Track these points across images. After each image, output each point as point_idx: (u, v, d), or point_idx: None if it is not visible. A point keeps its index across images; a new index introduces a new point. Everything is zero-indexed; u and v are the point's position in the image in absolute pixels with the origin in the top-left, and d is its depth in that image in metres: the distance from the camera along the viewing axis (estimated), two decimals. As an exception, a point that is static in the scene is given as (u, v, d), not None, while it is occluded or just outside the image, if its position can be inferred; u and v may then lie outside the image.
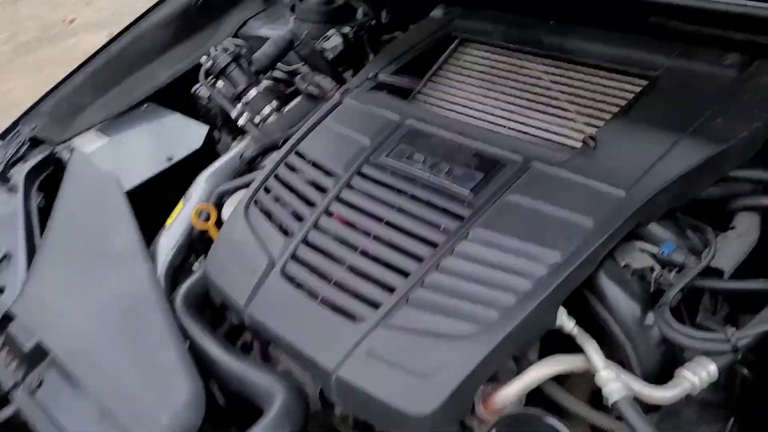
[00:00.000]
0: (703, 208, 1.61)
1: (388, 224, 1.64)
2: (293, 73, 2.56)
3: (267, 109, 2.31)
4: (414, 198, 1.67)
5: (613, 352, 1.45)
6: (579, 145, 1.69)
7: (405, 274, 1.52)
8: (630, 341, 1.43)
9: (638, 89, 1.79)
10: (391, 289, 1.51)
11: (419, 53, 2.18)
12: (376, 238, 1.63)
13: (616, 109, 1.77)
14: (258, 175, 1.96)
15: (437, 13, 2.36)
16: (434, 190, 1.66)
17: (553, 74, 1.98)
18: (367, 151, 1.82)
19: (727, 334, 1.24)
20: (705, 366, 1.38)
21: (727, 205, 1.62)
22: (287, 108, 2.35)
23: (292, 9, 2.73)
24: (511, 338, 1.36)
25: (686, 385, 1.36)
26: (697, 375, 1.37)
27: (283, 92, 2.53)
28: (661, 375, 1.44)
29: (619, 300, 1.45)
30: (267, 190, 1.90)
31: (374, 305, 1.51)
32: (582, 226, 1.45)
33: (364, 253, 1.61)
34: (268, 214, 1.85)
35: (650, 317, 1.43)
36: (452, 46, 2.21)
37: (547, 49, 2.03)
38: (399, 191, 1.71)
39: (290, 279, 1.66)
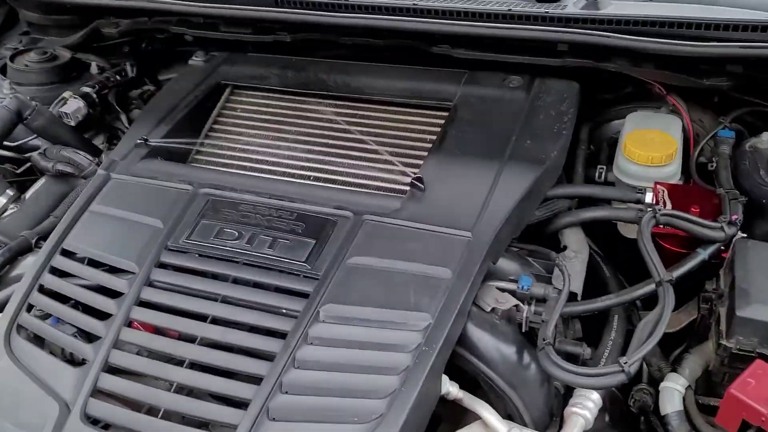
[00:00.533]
0: (528, 232, 1.59)
1: (216, 321, 1.33)
2: (22, 149, 2.06)
3: (1, 200, 1.81)
4: (239, 282, 1.39)
5: (497, 404, 1.34)
6: (405, 189, 1.56)
7: (257, 380, 1.23)
8: (513, 389, 1.33)
9: (441, 121, 1.73)
10: (242, 405, 1.22)
11: (189, 108, 1.88)
12: (206, 342, 1.31)
13: (427, 145, 1.68)
14: (12, 292, 1.49)
15: (197, 60, 2.07)
16: (262, 268, 1.40)
17: (347, 115, 1.84)
18: (161, 235, 1.48)
19: (621, 364, 1.20)
20: (589, 397, 1.34)
21: (550, 225, 1.63)
22: (28, 195, 1.87)
23: (2, 72, 2.22)
24: (406, 428, 1.16)
25: (581, 421, 1.30)
26: (586, 408, 1.32)
27: (12, 175, 2.03)
28: (549, 413, 1.38)
29: (493, 348, 1.34)
30: (31, 309, 1.45)
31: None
32: (441, 278, 1.32)
33: (194, 366, 1.29)
34: (41, 341, 1.41)
35: (526, 358, 1.35)
36: (225, 95, 1.96)
37: (331, 90, 1.88)
38: (216, 277, 1.41)
39: (96, 422, 1.26)
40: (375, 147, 1.71)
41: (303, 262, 1.39)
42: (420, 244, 1.38)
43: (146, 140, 1.73)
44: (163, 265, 1.44)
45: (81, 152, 1.85)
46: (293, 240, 1.43)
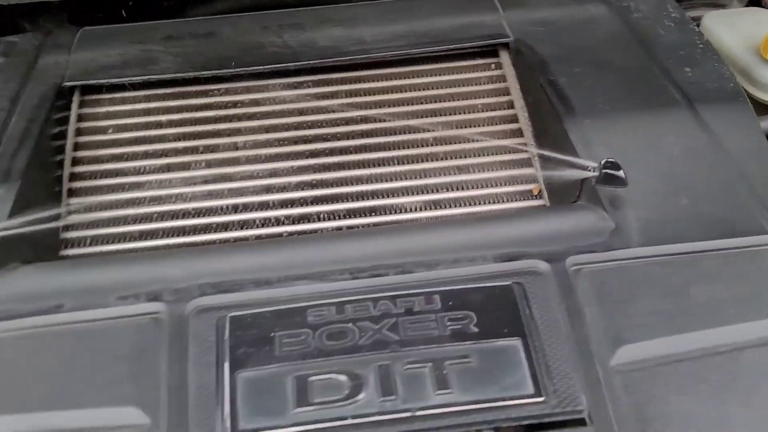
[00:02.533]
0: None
1: None
2: None
3: None
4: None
5: None
6: (524, 190, 0.88)
7: None
8: None
9: (498, 71, 1.07)
10: None
11: (27, 144, 0.92)
12: None
13: (506, 112, 1.03)
14: None
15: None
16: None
17: (329, 95, 1.06)
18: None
19: None
20: None
21: None
22: None
23: None
24: None
25: None
26: None
27: None
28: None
29: None
30: None
31: None
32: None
33: None
34: None
35: None
36: (74, 108, 1.03)
37: (284, 59, 1.07)
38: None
39: None
40: (433, 130, 0.98)
41: (532, 396, 0.64)
42: (714, 285, 0.72)
43: (-14, 231, 0.76)
44: None
45: None
46: (473, 353, 0.67)
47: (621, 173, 0.80)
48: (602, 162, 0.81)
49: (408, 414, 0.63)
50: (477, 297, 0.71)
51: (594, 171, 0.82)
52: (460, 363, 0.66)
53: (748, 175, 0.83)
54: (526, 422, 0.64)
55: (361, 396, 0.65)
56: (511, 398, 0.64)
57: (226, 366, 0.67)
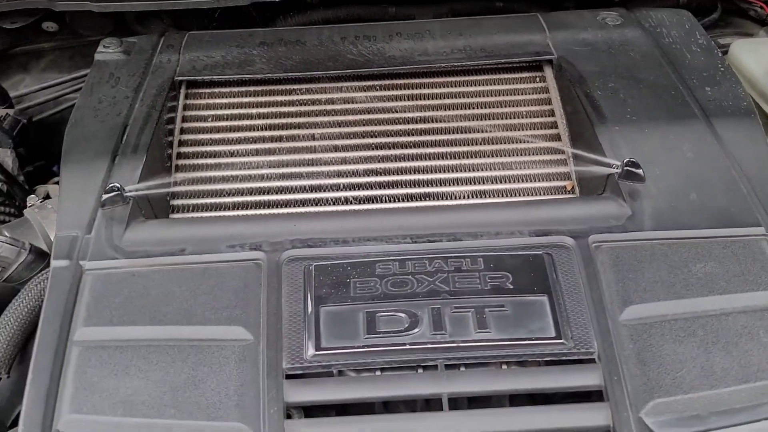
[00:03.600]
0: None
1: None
2: None
3: None
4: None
5: None
6: (560, 187, 1.05)
7: None
8: None
9: (542, 84, 1.23)
10: None
11: (144, 125, 1.12)
12: None
13: (548, 119, 1.18)
14: None
15: (109, 52, 1.28)
16: (490, 365, 0.79)
17: (396, 98, 1.24)
18: (258, 355, 0.80)
19: None
20: None
21: None
22: None
23: None
24: None
25: None
26: None
27: None
28: None
29: None
30: None
31: None
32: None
33: None
34: None
35: None
36: (182, 98, 1.23)
37: (360, 65, 1.26)
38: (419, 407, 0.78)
39: None
40: (483, 131, 1.15)
41: (553, 339, 0.81)
42: (709, 263, 0.88)
43: (121, 189, 0.96)
44: (296, 414, 0.76)
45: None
46: (508, 303, 0.84)
47: (640, 171, 0.96)
48: (624, 161, 0.97)
49: (453, 344, 0.80)
50: (513, 262, 0.88)
51: (617, 168, 0.98)
52: (497, 310, 0.83)
53: (751, 178, 0.98)
54: (548, 358, 0.81)
55: (416, 330, 0.82)
56: (537, 339, 0.81)
57: (311, 301, 0.85)
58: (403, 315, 0.83)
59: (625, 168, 0.97)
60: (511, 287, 0.86)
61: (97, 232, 0.93)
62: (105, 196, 0.95)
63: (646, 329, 0.82)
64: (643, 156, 1.01)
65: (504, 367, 0.81)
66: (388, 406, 0.83)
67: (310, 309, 0.84)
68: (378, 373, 0.81)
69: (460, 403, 0.80)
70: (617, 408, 0.77)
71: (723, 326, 0.81)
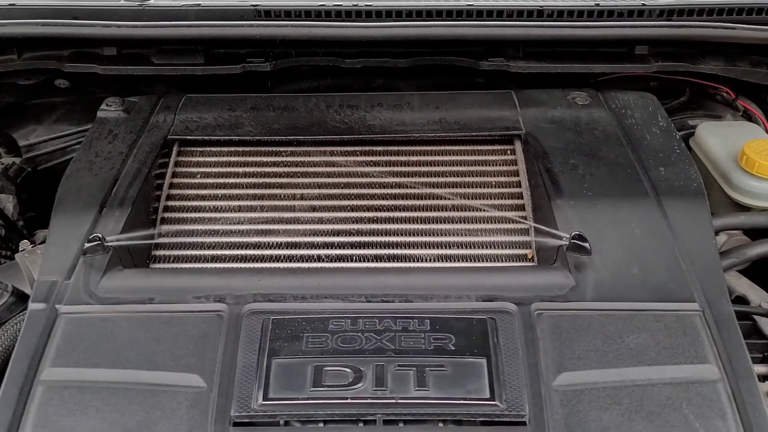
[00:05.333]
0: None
1: None
2: None
3: None
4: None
5: None
6: (523, 254, 1.10)
7: None
8: None
9: (511, 157, 1.31)
10: None
11: (133, 180, 1.21)
12: None
13: (513, 190, 1.26)
14: None
15: (111, 110, 1.39)
16: (420, 422, 0.84)
17: (374, 163, 1.32)
18: (209, 402, 0.85)
19: None
20: None
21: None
22: None
23: None
24: None
25: None
26: None
27: None
28: None
29: None
30: None
31: None
32: (711, 381, 0.88)
33: None
34: None
35: None
36: (173, 155, 1.32)
37: (342, 132, 1.35)
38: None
39: None
40: (445, 198, 1.23)
41: (487, 400, 0.86)
42: (641, 335, 0.93)
43: (102, 239, 1.04)
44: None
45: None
46: (448, 364, 0.89)
47: (586, 244, 1.02)
48: (572, 234, 1.03)
49: (392, 401, 0.86)
50: (458, 324, 0.94)
51: (566, 241, 1.04)
52: (437, 370, 0.89)
53: (691, 255, 1.04)
54: (480, 419, 0.85)
55: (359, 385, 0.87)
56: (472, 399, 0.86)
57: (265, 353, 0.91)
58: (348, 370, 0.89)
59: (572, 241, 1.03)
60: (453, 348, 0.91)
61: (76, 279, 1.01)
62: (86, 245, 1.03)
63: (576, 395, 0.87)
64: (593, 230, 1.07)
65: (440, 425, 0.86)
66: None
67: (262, 360, 0.90)
68: (321, 425, 0.86)
69: (398, 457, 0.85)
70: None
71: (648, 396, 0.86)
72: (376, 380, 0.87)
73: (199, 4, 1.28)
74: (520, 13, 1.27)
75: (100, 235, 1.04)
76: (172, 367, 0.90)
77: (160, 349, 0.92)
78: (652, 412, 0.84)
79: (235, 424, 0.85)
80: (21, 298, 1.07)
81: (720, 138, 1.46)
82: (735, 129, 1.50)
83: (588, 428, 0.83)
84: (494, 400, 0.86)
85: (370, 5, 1.27)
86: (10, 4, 1.28)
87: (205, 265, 1.14)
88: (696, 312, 0.95)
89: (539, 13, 1.26)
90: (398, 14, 1.25)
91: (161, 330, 0.94)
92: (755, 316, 1.11)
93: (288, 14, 1.27)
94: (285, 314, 0.96)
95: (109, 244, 1.05)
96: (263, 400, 0.86)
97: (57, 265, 1.03)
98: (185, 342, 0.92)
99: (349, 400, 0.86)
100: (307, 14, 1.27)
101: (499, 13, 1.26)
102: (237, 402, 0.86)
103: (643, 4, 1.27)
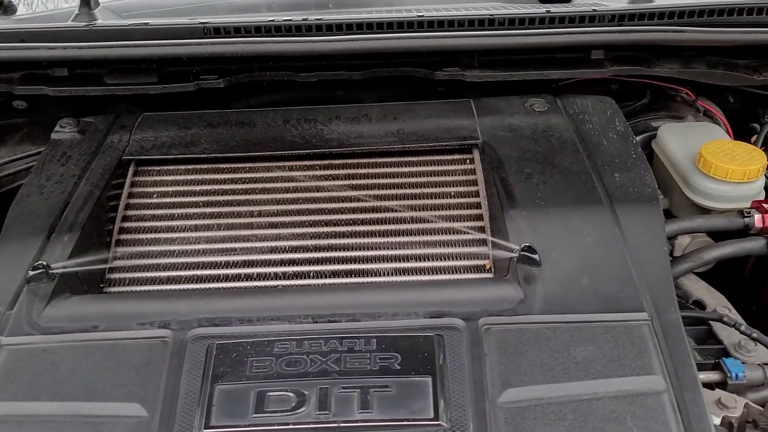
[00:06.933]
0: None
1: None
2: None
3: None
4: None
5: None
6: (481, 265, 1.09)
7: None
8: None
9: (470, 166, 1.29)
10: None
11: (83, 205, 1.20)
12: None
13: (471, 200, 1.24)
14: None
15: (66, 132, 1.38)
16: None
17: (332, 177, 1.31)
18: (149, 431, 0.84)
19: None
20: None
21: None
22: None
23: None
24: None
25: None
26: None
27: None
28: None
29: None
30: None
31: None
32: (656, 392, 0.87)
33: None
34: None
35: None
36: (129, 176, 1.30)
37: (299, 147, 1.34)
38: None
39: None
40: (402, 211, 1.21)
41: (431, 420, 0.85)
42: (588, 348, 0.92)
43: (47, 267, 1.03)
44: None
45: None
46: (393, 384, 0.88)
47: (536, 256, 1.01)
48: (521, 246, 1.02)
49: (334, 425, 0.85)
50: (404, 343, 0.93)
51: (515, 252, 1.03)
52: (381, 391, 0.88)
53: (642, 264, 1.03)
54: (424, 440, 0.84)
55: (302, 409, 0.86)
56: (415, 420, 0.85)
57: (208, 379, 0.90)
58: (291, 394, 0.88)
59: (522, 253, 1.02)
60: (399, 368, 0.90)
61: (19, 308, 1.00)
62: (30, 273, 1.02)
63: (520, 412, 0.86)
64: (544, 240, 1.06)
65: (385, 447, 0.85)
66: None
67: (206, 387, 0.89)
68: (264, 451, 0.85)
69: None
70: None
71: (592, 411, 0.85)
72: (320, 404, 0.86)
73: (147, 23, 1.27)
74: (471, 23, 1.26)
75: (44, 263, 1.03)
76: (113, 397, 0.88)
77: (102, 378, 0.90)
78: (596, 427, 0.83)
79: (176, 454, 0.84)
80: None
81: (680, 139, 1.45)
82: (695, 130, 1.50)
83: (532, 446, 0.82)
84: (438, 420, 0.85)
85: (321, 19, 1.26)
86: (-43, 30, 1.28)
87: (155, 287, 1.13)
88: (644, 322, 0.95)
89: (490, 22, 1.26)
90: (349, 27, 1.25)
91: (104, 359, 0.93)
92: (711, 321, 1.10)
93: (237, 31, 1.26)
94: (230, 338, 0.95)
95: (55, 271, 1.03)
96: (205, 428, 0.85)
97: (1, 295, 1.02)
98: (128, 370, 0.91)
99: (291, 426, 0.85)
100: (257, 30, 1.26)
101: (450, 23, 1.25)
102: (178, 431, 0.85)
103: (594, 10, 1.27)
